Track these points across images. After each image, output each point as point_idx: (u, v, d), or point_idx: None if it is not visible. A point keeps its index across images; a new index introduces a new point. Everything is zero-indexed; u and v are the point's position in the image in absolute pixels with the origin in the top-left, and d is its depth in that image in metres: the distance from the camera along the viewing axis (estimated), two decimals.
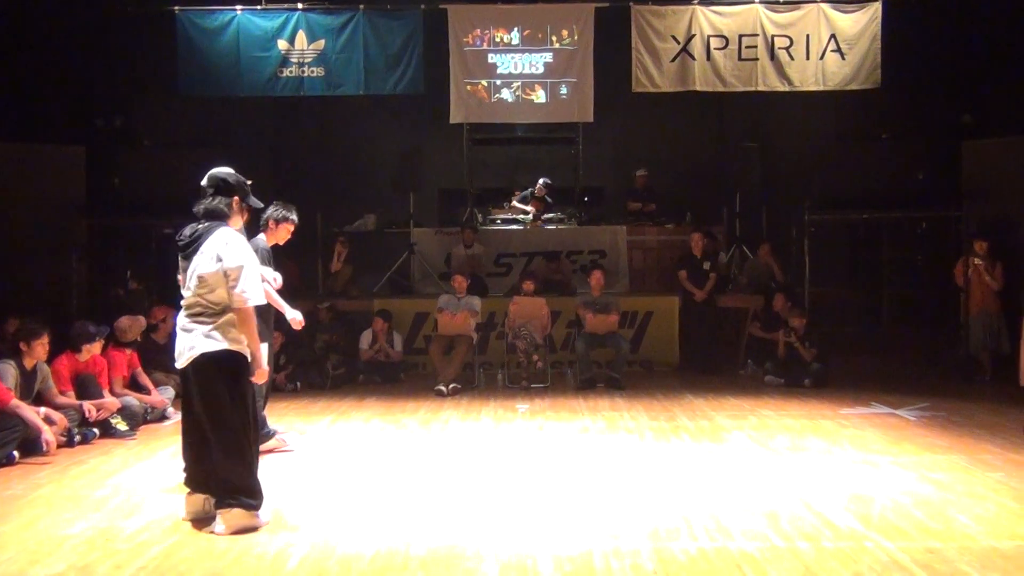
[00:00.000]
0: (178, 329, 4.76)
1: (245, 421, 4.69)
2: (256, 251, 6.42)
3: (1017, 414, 7.36)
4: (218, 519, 4.68)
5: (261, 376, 4.87)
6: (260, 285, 4.74)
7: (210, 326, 4.62)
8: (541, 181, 12.67)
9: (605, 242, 11.94)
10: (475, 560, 4.26)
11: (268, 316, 6.41)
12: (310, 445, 6.87)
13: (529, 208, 12.58)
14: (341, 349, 9.95)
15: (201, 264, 4.60)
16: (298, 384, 9.46)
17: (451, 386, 9.11)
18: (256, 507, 4.73)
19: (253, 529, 4.67)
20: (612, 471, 5.97)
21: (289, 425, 7.51)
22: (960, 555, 4.25)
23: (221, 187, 4.79)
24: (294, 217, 6.73)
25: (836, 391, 8.94)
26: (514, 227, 12.35)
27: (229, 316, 4.63)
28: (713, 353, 10.38)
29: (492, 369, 10.30)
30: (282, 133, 13.06)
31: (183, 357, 4.68)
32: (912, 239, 11.87)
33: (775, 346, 9.77)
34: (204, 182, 4.84)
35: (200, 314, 4.64)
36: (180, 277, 4.78)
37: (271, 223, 6.72)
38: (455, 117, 11.61)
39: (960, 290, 10.10)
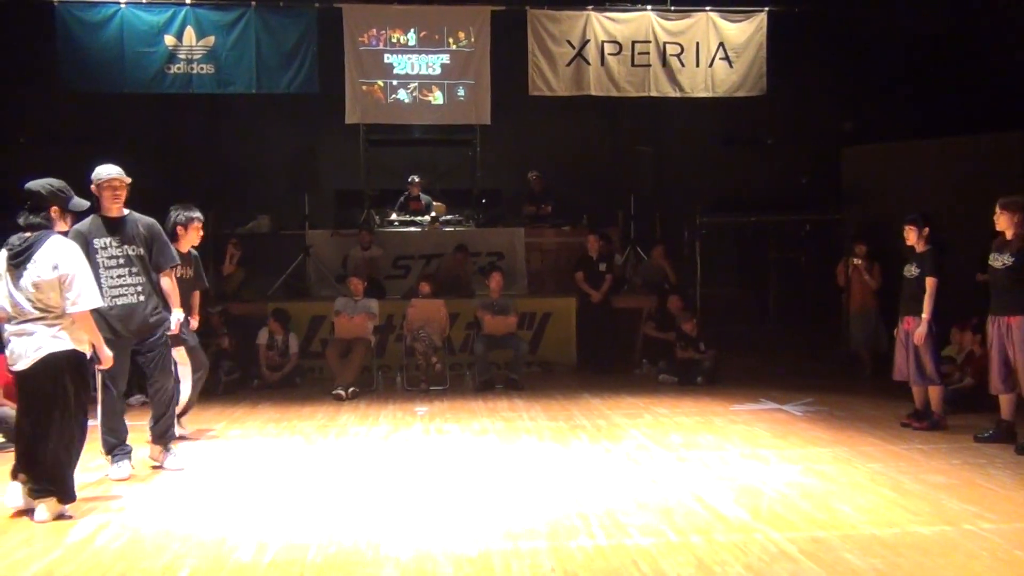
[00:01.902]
0: (10, 335, 4.92)
1: (81, 417, 5.06)
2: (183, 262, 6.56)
3: (895, 408, 7.73)
4: (41, 507, 4.91)
5: (107, 362, 5.17)
6: (92, 290, 4.95)
7: (57, 327, 4.88)
8: (410, 179, 12.53)
9: (503, 244, 11.99)
10: (374, 565, 4.22)
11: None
12: (202, 452, 6.67)
13: (428, 216, 12.43)
14: (234, 354, 9.69)
15: (36, 272, 4.81)
16: None
17: (349, 390, 8.99)
18: (72, 500, 5.03)
19: (68, 516, 4.95)
20: (511, 472, 6.00)
21: (179, 432, 7.28)
22: (843, 543, 4.44)
23: (35, 202, 4.94)
24: (198, 215, 6.63)
25: (727, 388, 9.22)
26: (412, 229, 12.26)
27: (69, 318, 4.90)
28: (609, 353, 10.54)
29: (391, 372, 10.21)
30: (170, 130, 12.62)
31: (27, 359, 4.85)
32: (796, 241, 12.31)
33: (669, 346, 10.01)
34: (24, 195, 4.97)
35: (41, 318, 4.86)
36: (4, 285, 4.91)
37: (179, 229, 6.59)
38: (351, 117, 11.47)
39: (841, 290, 10.56)
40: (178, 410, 6.71)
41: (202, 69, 10.93)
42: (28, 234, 4.88)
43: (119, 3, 10.67)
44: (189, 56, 10.87)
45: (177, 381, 6.53)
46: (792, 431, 7.19)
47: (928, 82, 11.41)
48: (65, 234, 5.06)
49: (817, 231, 12.00)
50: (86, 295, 4.88)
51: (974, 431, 6.86)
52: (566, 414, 8.02)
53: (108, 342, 5.38)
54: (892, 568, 4.11)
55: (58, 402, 4.88)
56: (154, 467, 6.14)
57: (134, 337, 5.87)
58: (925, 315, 6.98)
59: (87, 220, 5.79)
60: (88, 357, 5.07)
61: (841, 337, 10.67)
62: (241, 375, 9.57)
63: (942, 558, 4.23)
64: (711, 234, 11.70)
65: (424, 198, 12.46)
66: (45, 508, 4.91)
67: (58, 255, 4.82)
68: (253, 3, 10.92)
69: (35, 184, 4.98)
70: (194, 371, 6.90)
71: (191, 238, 6.69)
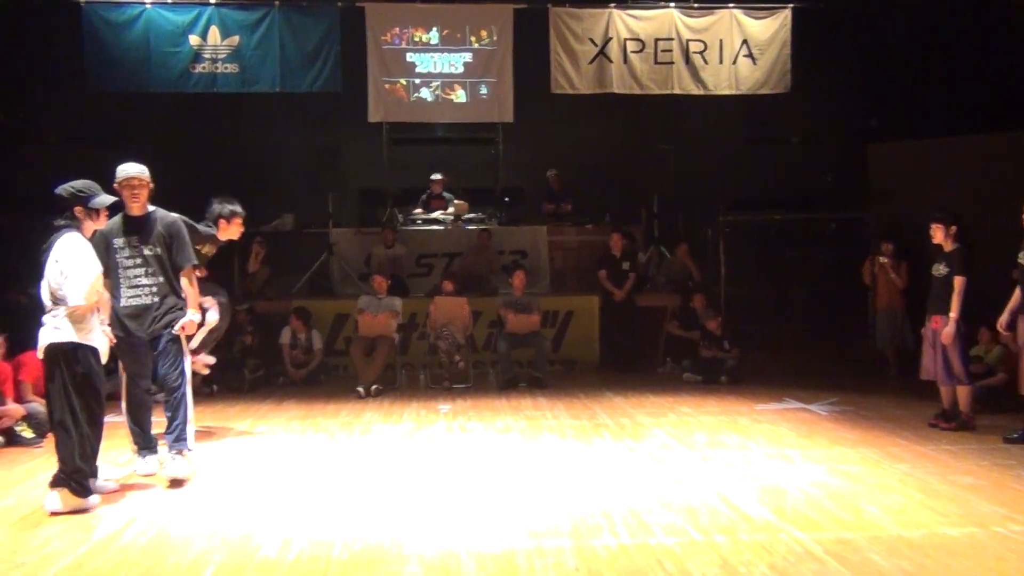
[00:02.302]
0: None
1: (86, 412, 5.14)
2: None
3: (922, 408, 7.66)
4: (53, 496, 5.04)
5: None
6: (80, 287, 5.00)
7: (61, 318, 5.06)
8: (432, 176, 12.55)
9: (526, 242, 11.99)
10: (398, 562, 4.23)
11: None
12: (228, 449, 6.72)
13: (449, 213, 12.45)
14: (259, 352, 9.75)
15: (48, 267, 5.09)
16: (215, 387, 9.23)
17: (372, 387, 9.02)
18: (83, 495, 5.10)
19: (87, 509, 5.04)
20: (534, 470, 5.99)
21: (206, 429, 7.36)
22: (870, 544, 4.40)
23: (60, 204, 5.20)
24: (242, 210, 6.68)
25: (751, 388, 9.16)
26: (435, 227, 12.29)
27: (73, 311, 5.05)
28: (633, 352, 10.51)
29: (414, 370, 10.24)
30: (195, 130, 12.72)
31: (39, 349, 5.12)
32: (821, 239, 12.20)
33: (693, 344, 9.96)
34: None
35: (53, 310, 5.10)
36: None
37: (221, 221, 6.57)
38: (374, 116, 11.52)
39: (867, 288, 10.47)
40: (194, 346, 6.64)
41: (226, 69, 11.01)
42: (55, 234, 5.17)
43: (145, 3, 10.78)
44: (214, 56, 10.95)
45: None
46: (817, 431, 7.14)
47: (955, 78, 11.29)
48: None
49: (842, 229, 11.90)
50: (72, 291, 5.00)
51: (1003, 432, 6.79)
52: (589, 413, 8.01)
53: (120, 340, 5.59)
54: (919, 570, 4.07)
55: (56, 393, 5.06)
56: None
57: (148, 336, 5.77)
58: (953, 314, 6.91)
59: (113, 219, 5.80)
60: (101, 351, 5.21)
61: (867, 336, 10.58)
62: (266, 372, 9.63)
63: (970, 560, 4.19)
64: (735, 232, 11.63)
65: (447, 196, 12.48)
66: (57, 497, 5.02)
67: (61, 250, 5.05)
68: (277, 3, 10.99)
69: (60, 188, 5.21)
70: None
71: (231, 232, 6.69)
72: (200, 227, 6.45)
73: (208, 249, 6.73)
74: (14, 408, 6.92)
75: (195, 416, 7.82)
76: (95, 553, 4.40)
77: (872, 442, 6.68)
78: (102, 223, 5.38)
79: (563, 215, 12.38)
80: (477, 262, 11.29)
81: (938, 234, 7.13)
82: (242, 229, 6.85)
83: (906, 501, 5.14)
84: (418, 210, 12.43)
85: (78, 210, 5.17)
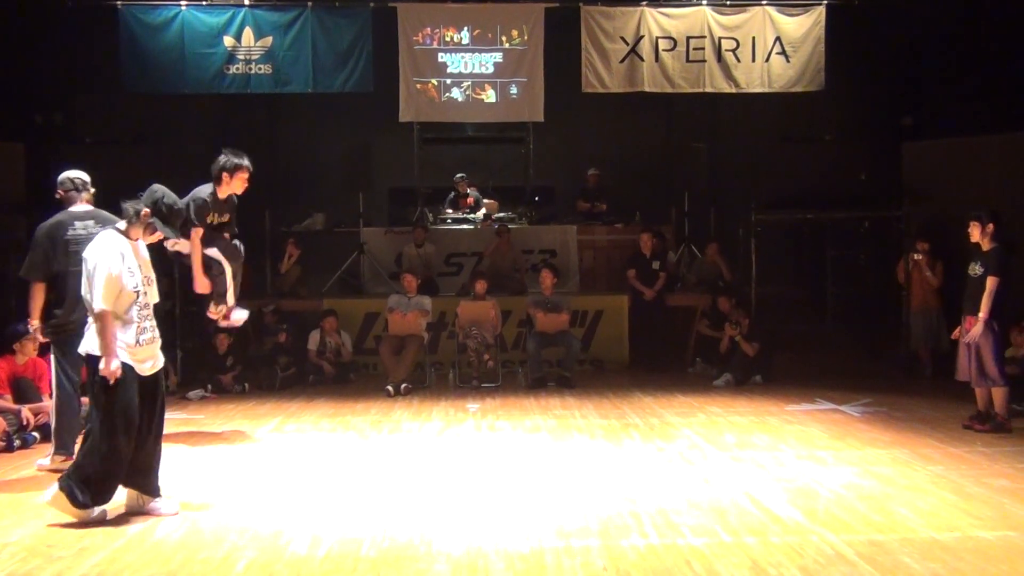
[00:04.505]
0: None
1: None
2: (194, 201, 6.33)
3: (955, 409, 7.55)
4: (51, 490, 4.82)
5: (104, 371, 4.76)
6: (101, 291, 4.73)
7: (88, 327, 4.89)
8: (456, 177, 12.56)
9: (555, 242, 11.97)
10: (426, 560, 4.25)
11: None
12: (259, 447, 6.79)
13: (480, 214, 12.47)
14: (291, 350, 9.84)
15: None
16: (246, 386, 9.33)
17: (402, 386, 9.06)
18: (81, 506, 4.79)
19: (79, 520, 4.78)
20: (563, 469, 5.99)
21: (237, 427, 7.44)
22: (902, 547, 4.35)
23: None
24: (247, 163, 6.41)
25: (782, 388, 9.08)
26: (465, 227, 12.32)
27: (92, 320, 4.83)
28: (663, 351, 10.46)
29: (443, 369, 10.26)
30: (228, 130, 12.82)
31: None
32: (855, 238, 12.07)
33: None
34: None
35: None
36: None
37: (224, 175, 6.35)
38: (405, 116, 11.57)
39: (901, 288, 10.34)
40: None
41: (260, 69, 11.11)
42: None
43: (180, 5, 10.91)
44: (247, 56, 11.06)
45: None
46: (849, 432, 7.06)
47: (990, 75, 11.10)
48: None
49: (876, 228, 11.76)
50: (94, 296, 4.77)
51: None
52: (618, 412, 7.99)
53: None
54: (953, 573, 4.02)
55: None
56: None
57: None
58: (982, 314, 6.80)
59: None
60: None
61: (901, 336, 10.45)
62: (297, 371, 9.71)
63: (1005, 564, 4.13)
64: (767, 231, 11.52)
65: (473, 195, 12.51)
66: (54, 494, 4.78)
67: (89, 250, 4.93)
68: (310, 3, 11.07)
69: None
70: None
71: (235, 185, 6.43)
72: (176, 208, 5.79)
73: (213, 218, 6.51)
74: (50, 405, 7.02)
75: (227, 414, 8.01)
76: (129, 548, 4.46)
77: (905, 444, 6.60)
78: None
79: (598, 214, 12.35)
80: (499, 260, 11.29)
81: (975, 232, 7.02)
82: (246, 185, 6.50)
83: (939, 503, 5.07)
84: (449, 210, 12.47)
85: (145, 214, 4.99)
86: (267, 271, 11.49)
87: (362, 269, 11.76)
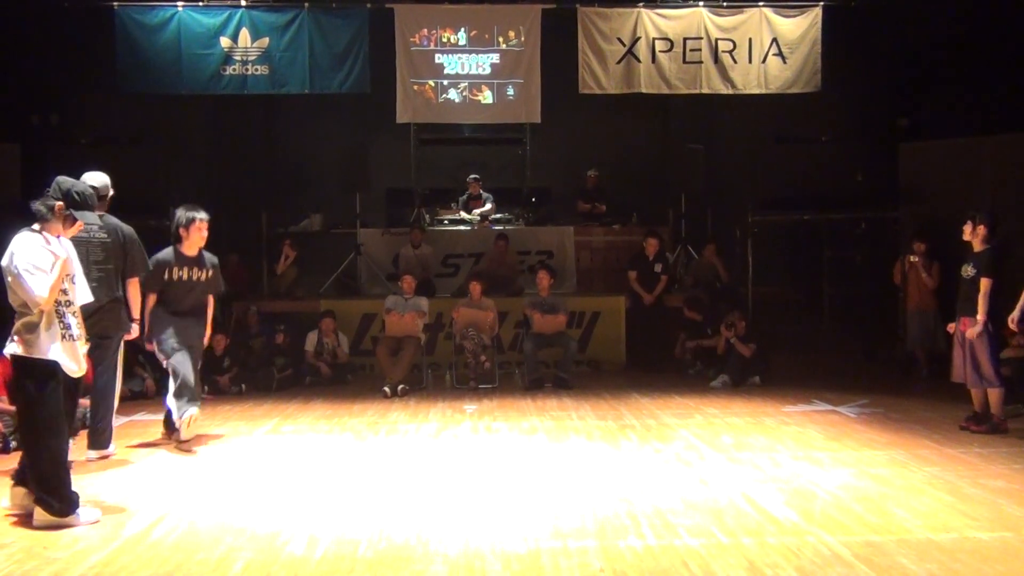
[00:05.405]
0: None
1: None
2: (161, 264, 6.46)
3: (952, 410, 7.55)
4: (36, 511, 4.77)
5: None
6: (36, 282, 4.69)
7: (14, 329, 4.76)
8: (470, 177, 12.60)
9: (552, 243, 11.99)
10: (423, 561, 4.25)
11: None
12: (255, 448, 6.78)
13: (476, 214, 12.48)
14: (287, 351, 9.83)
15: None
16: (243, 387, 9.32)
17: (399, 387, 9.05)
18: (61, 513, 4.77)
19: (68, 526, 4.73)
20: (560, 470, 5.99)
21: (234, 428, 7.43)
22: (898, 548, 4.36)
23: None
24: (201, 215, 6.48)
25: (778, 389, 9.09)
26: (462, 228, 12.33)
27: (25, 320, 4.73)
28: (660, 353, 10.46)
29: (440, 370, 10.26)
30: (224, 131, 12.85)
31: None
32: (851, 239, 12.09)
33: (715, 349, 9.89)
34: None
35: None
36: None
37: (180, 231, 6.47)
38: (402, 117, 11.57)
39: (898, 289, 10.36)
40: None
41: (257, 70, 11.10)
42: None
43: (176, 6, 10.90)
44: (244, 57, 11.05)
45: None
46: (846, 433, 7.07)
47: (987, 77, 11.12)
48: None
49: (873, 229, 11.78)
50: (35, 287, 4.74)
51: None
52: (615, 413, 7.99)
53: None
54: (949, 574, 4.03)
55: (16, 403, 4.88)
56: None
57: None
58: (980, 316, 6.81)
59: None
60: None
61: (897, 337, 10.46)
62: (294, 372, 9.70)
63: (1001, 564, 4.14)
64: (763, 232, 11.55)
65: (484, 195, 12.52)
66: (37, 514, 4.78)
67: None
68: (306, 4, 11.06)
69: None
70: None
71: (194, 239, 6.52)
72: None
73: (176, 273, 6.62)
74: None
75: (224, 415, 7.99)
76: (125, 549, 4.45)
77: (902, 445, 6.61)
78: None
79: (597, 215, 12.35)
80: (497, 268, 11.27)
81: (967, 232, 7.04)
82: (204, 235, 6.59)
83: (936, 504, 5.08)
84: (462, 212, 12.47)
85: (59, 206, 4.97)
86: (264, 272, 11.48)
87: (359, 270, 11.76)
